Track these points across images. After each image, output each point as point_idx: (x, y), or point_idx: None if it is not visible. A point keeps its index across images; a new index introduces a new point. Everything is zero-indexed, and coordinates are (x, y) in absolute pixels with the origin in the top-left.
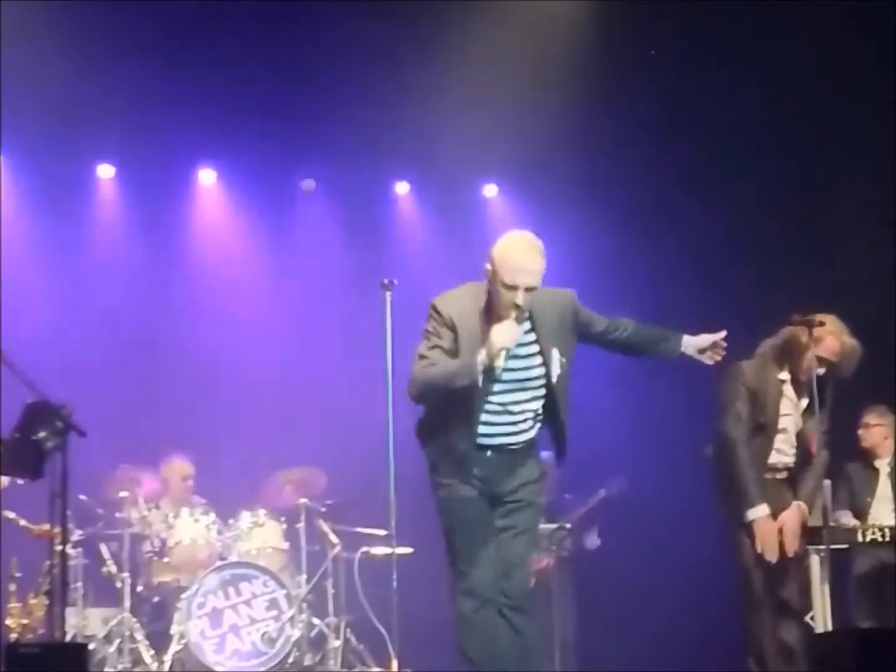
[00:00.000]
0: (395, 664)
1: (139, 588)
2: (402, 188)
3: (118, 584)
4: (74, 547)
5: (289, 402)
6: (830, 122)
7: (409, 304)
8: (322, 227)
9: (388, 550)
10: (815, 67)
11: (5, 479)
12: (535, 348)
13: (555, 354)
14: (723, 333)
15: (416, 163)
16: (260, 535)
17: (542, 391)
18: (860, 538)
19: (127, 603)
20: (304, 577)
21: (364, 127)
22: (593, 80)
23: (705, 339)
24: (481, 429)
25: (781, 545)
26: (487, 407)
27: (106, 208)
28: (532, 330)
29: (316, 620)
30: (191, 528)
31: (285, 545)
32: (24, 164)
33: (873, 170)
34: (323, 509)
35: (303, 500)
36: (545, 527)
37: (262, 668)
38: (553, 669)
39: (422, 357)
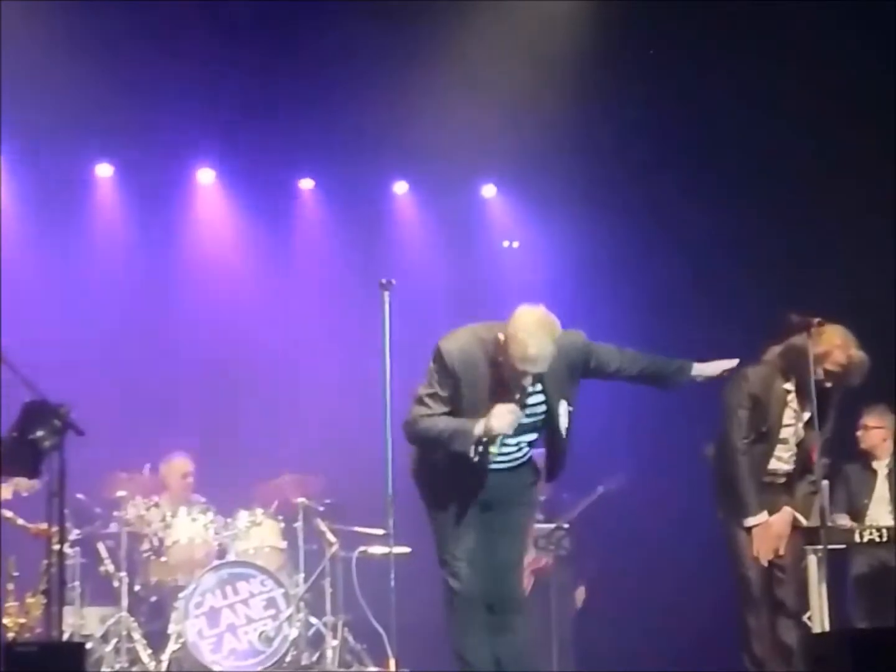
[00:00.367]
0: (392, 663)
1: (137, 587)
2: (400, 188)
3: (115, 584)
4: (72, 546)
5: (287, 402)
6: (831, 123)
7: (408, 304)
8: (320, 227)
9: (385, 550)
10: (815, 68)
11: (7, 491)
12: (541, 398)
13: (562, 408)
14: (735, 362)
15: (414, 163)
16: (258, 534)
17: (541, 425)
18: (858, 539)
19: (124, 602)
20: (302, 576)
21: (363, 126)
22: (592, 81)
23: (716, 367)
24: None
25: (776, 551)
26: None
27: (104, 208)
28: (539, 380)
29: (313, 619)
30: (188, 528)
31: (283, 544)
32: (22, 163)
33: (874, 171)
34: (321, 508)
35: (301, 500)
36: (543, 526)
37: (260, 668)
38: (550, 669)
39: (421, 402)
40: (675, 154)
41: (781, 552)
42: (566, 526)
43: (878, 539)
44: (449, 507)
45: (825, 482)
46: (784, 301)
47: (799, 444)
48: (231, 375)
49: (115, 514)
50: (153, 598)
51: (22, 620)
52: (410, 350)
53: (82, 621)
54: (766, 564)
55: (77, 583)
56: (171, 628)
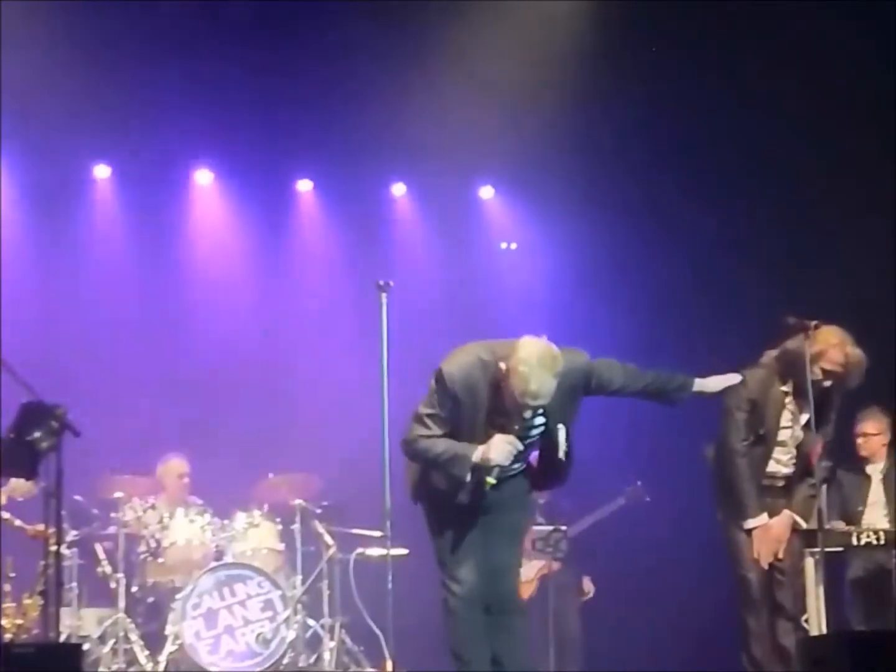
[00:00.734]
0: (389, 665)
1: (134, 588)
2: (398, 189)
3: (113, 585)
4: (69, 547)
5: (284, 403)
6: (831, 123)
7: (406, 305)
8: (318, 228)
9: (383, 552)
10: (815, 68)
11: (3, 497)
12: (541, 420)
13: (561, 435)
14: (737, 377)
15: (412, 164)
16: (255, 535)
17: (540, 443)
18: (855, 542)
19: (122, 603)
20: (300, 578)
21: (361, 128)
22: (591, 81)
23: (718, 383)
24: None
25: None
26: None
27: (102, 209)
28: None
29: (311, 621)
30: (185, 529)
31: (280, 546)
32: (21, 164)
33: (874, 170)
34: (318, 510)
35: (298, 502)
36: (541, 528)
37: (257, 669)
38: (548, 669)
39: (421, 421)
40: (675, 154)
41: (781, 555)
42: (563, 528)
43: (875, 542)
44: (448, 512)
45: (824, 486)
46: (784, 301)
47: (798, 447)
48: (229, 376)
49: (113, 515)
50: (150, 600)
51: (19, 621)
52: (408, 351)
53: (80, 622)
54: (766, 567)
55: (74, 584)
56: (169, 629)
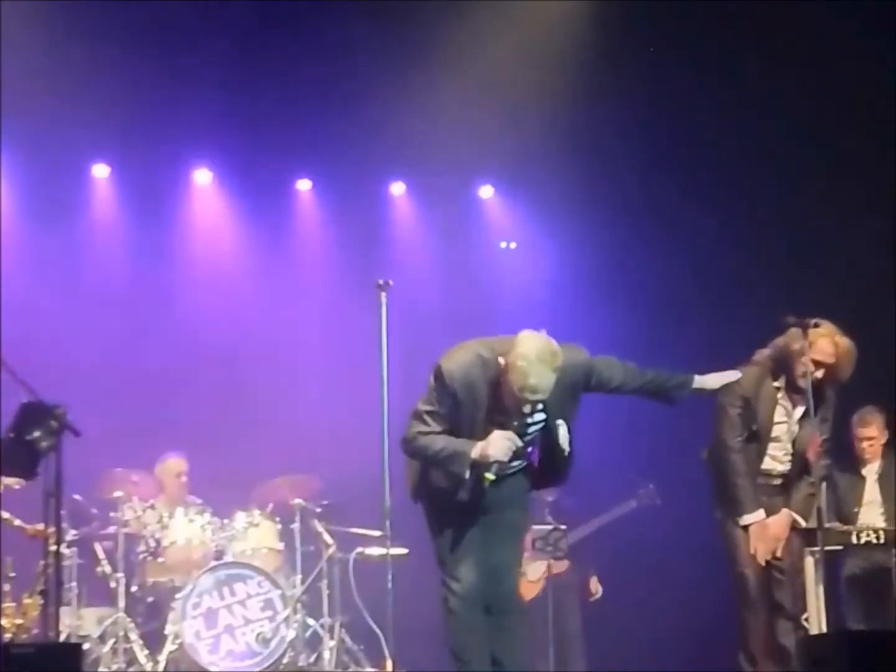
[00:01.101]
0: (389, 664)
1: (134, 588)
2: (397, 189)
3: (113, 584)
4: (69, 547)
5: (283, 402)
6: (831, 123)
7: (405, 305)
8: (318, 228)
9: (382, 551)
10: (815, 68)
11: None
12: (541, 416)
13: (562, 431)
14: (737, 374)
15: (411, 163)
16: (255, 535)
17: (540, 440)
18: (855, 540)
19: (121, 603)
20: (299, 577)
21: (360, 127)
22: (591, 81)
23: (717, 380)
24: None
25: (773, 552)
26: None
27: (101, 208)
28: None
29: (311, 621)
30: (185, 529)
31: (280, 546)
32: (20, 163)
33: (874, 170)
34: (318, 510)
35: (298, 501)
36: (541, 528)
37: (257, 669)
38: (548, 669)
39: (420, 419)
40: (675, 153)
41: (779, 554)
42: (563, 528)
43: (874, 541)
44: (447, 511)
45: (823, 485)
46: (784, 301)
47: (794, 444)
48: (228, 376)
49: (112, 514)
50: (150, 599)
51: (19, 621)
52: (408, 351)
53: (79, 622)
54: (763, 563)
55: (74, 583)
56: (169, 629)
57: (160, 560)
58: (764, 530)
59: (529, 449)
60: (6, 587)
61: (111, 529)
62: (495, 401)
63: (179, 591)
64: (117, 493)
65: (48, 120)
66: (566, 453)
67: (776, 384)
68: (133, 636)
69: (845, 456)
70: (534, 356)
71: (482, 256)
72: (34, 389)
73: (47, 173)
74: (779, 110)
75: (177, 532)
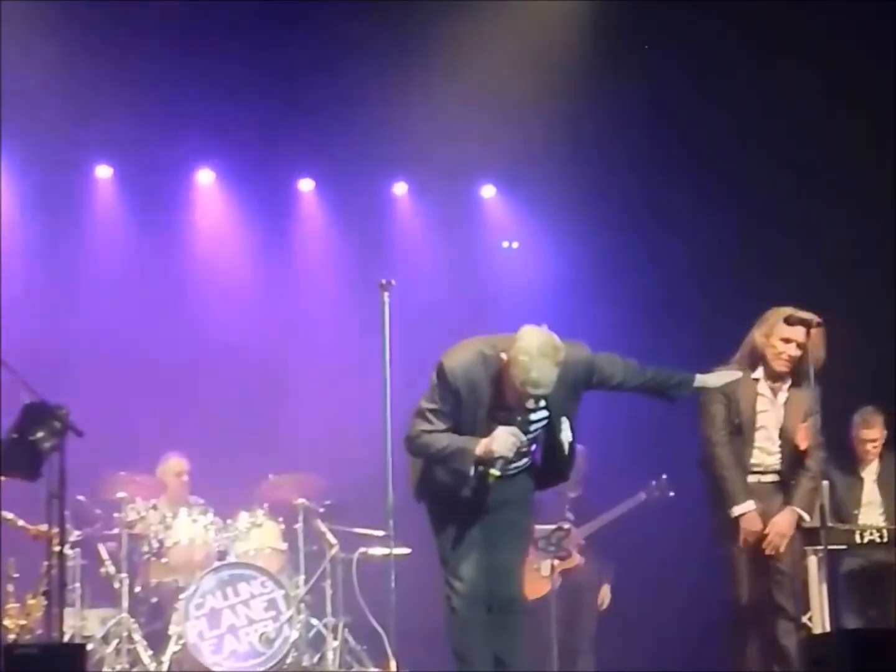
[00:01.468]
0: (392, 664)
1: (137, 588)
2: (400, 189)
3: (116, 585)
4: (72, 547)
5: (286, 402)
6: (831, 123)
7: (408, 305)
8: (320, 228)
9: (385, 551)
10: (816, 67)
11: None
12: (544, 413)
13: (564, 424)
14: (738, 374)
15: (414, 163)
16: (258, 535)
17: (543, 437)
18: (858, 539)
19: (125, 603)
20: (302, 577)
21: (362, 127)
22: (592, 81)
23: (719, 378)
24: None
25: (777, 549)
26: None
27: (104, 209)
28: (543, 396)
29: (314, 621)
30: (188, 529)
31: (283, 546)
32: (22, 164)
33: (874, 170)
34: (321, 510)
35: (301, 501)
36: (543, 527)
37: (261, 669)
38: (550, 669)
39: (423, 417)
40: (676, 153)
41: (783, 550)
42: (566, 527)
43: (878, 540)
44: (450, 510)
45: (825, 482)
46: (784, 301)
47: (782, 431)
48: (231, 375)
49: (116, 515)
50: (154, 600)
51: (22, 622)
52: (410, 350)
53: (83, 623)
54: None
55: (78, 584)
56: (172, 629)
57: (163, 560)
58: (756, 523)
59: (532, 447)
60: (10, 588)
61: (114, 530)
62: (497, 398)
63: (183, 591)
64: (120, 494)
65: (50, 121)
66: (568, 451)
67: (754, 376)
68: (136, 637)
69: (843, 455)
70: (536, 350)
71: (484, 256)
72: (36, 390)
73: (50, 174)
74: (779, 110)
75: (180, 532)
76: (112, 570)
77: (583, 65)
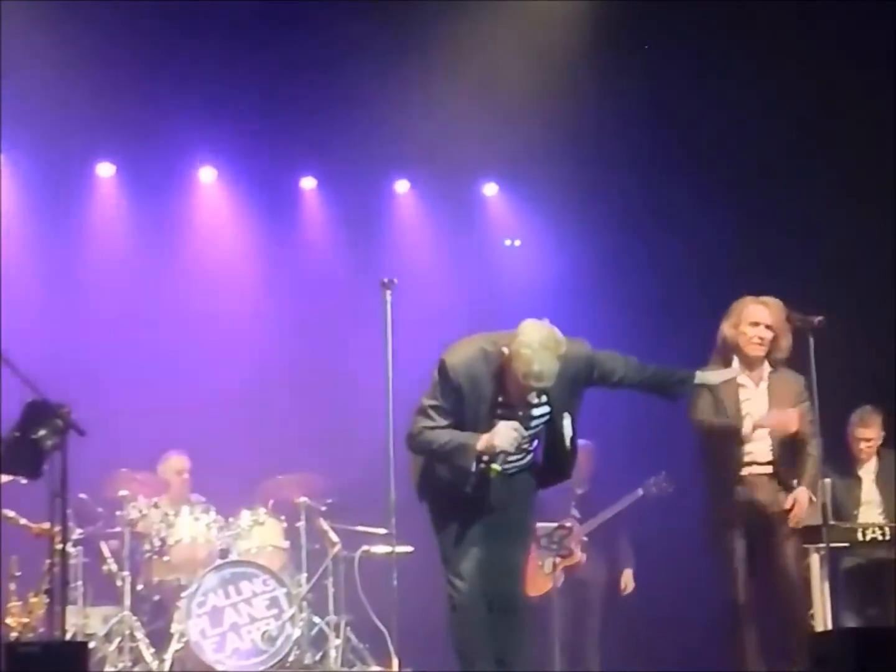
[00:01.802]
0: (395, 663)
1: (139, 587)
2: (401, 186)
3: (118, 583)
4: (74, 546)
5: (288, 400)
6: (831, 123)
7: (409, 303)
8: (322, 226)
9: (388, 549)
10: (816, 67)
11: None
12: (545, 409)
13: (566, 420)
14: (737, 371)
15: (416, 161)
16: (260, 533)
17: (544, 434)
18: (860, 537)
19: (127, 601)
20: (305, 575)
21: (364, 125)
22: (594, 80)
23: (719, 376)
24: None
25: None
26: None
27: (106, 207)
28: (544, 392)
29: (316, 619)
30: (191, 527)
31: (285, 544)
32: (24, 162)
33: (874, 170)
34: (323, 508)
35: (303, 499)
36: (545, 525)
37: (263, 667)
38: (552, 668)
39: (425, 413)
40: (676, 153)
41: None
42: (568, 525)
43: (880, 538)
44: (452, 508)
45: (827, 480)
46: (784, 300)
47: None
48: (232, 373)
49: (118, 513)
50: (156, 598)
51: (25, 620)
52: (412, 348)
53: (85, 621)
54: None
55: (80, 582)
56: (174, 628)
57: (165, 559)
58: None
59: (534, 443)
60: (12, 586)
61: (116, 528)
62: (499, 394)
63: (185, 589)
64: (122, 492)
65: (52, 119)
66: (570, 448)
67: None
68: (139, 635)
69: (841, 455)
70: (538, 343)
71: (486, 254)
72: (38, 388)
73: (52, 172)
74: (779, 110)
75: (182, 530)
76: (114, 568)
77: (583, 65)
